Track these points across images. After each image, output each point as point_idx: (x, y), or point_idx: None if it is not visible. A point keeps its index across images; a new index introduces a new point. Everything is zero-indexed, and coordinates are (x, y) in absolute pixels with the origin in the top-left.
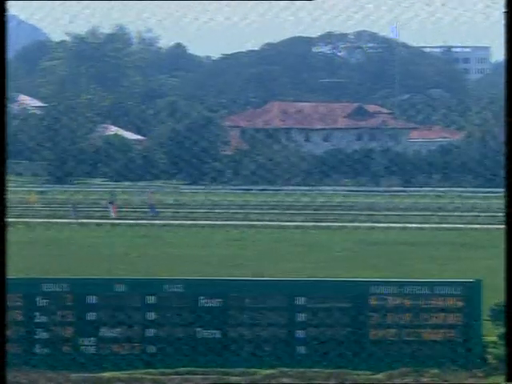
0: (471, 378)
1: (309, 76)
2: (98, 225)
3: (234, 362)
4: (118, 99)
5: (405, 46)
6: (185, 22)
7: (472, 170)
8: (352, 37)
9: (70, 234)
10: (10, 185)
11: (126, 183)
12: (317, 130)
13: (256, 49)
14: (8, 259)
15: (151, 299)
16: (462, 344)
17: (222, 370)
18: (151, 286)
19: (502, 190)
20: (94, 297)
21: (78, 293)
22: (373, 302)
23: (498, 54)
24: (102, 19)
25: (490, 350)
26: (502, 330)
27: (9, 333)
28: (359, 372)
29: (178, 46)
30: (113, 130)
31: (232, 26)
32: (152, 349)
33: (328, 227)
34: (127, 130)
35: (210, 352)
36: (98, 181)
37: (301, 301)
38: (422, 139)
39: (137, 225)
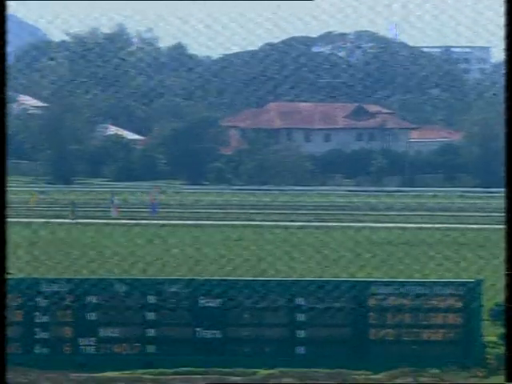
0: (471, 378)
1: (309, 76)
2: (98, 224)
3: (234, 361)
4: (117, 99)
5: (405, 45)
6: (185, 22)
7: (472, 170)
8: (352, 37)
9: (70, 234)
10: (10, 185)
11: (126, 183)
12: (317, 129)
13: (256, 49)
14: (8, 259)
15: (151, 299)
16: (461, 344)
17: (222, 370)
18: (151, 286)
19: (502, 189)
20: (94, 297)
21: (77, 293)
22: (373, 301)
23: (498, 54)
24: (101, 19)
25: (489, 350)
26: (501, 329)
27: (9, 333)
28: (359, 372)
29: (178, 45)
30: (113, 129)
31: (232, 26)
32: (152, 349)
33: (327, 227)
34: (127, 129)
35: (210, 352)
36: (98, 181)
37: (301, 301)
38: (422, 139)
39: (137, 225)
